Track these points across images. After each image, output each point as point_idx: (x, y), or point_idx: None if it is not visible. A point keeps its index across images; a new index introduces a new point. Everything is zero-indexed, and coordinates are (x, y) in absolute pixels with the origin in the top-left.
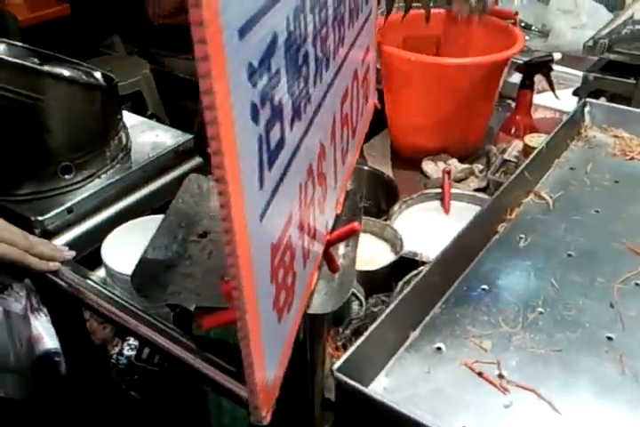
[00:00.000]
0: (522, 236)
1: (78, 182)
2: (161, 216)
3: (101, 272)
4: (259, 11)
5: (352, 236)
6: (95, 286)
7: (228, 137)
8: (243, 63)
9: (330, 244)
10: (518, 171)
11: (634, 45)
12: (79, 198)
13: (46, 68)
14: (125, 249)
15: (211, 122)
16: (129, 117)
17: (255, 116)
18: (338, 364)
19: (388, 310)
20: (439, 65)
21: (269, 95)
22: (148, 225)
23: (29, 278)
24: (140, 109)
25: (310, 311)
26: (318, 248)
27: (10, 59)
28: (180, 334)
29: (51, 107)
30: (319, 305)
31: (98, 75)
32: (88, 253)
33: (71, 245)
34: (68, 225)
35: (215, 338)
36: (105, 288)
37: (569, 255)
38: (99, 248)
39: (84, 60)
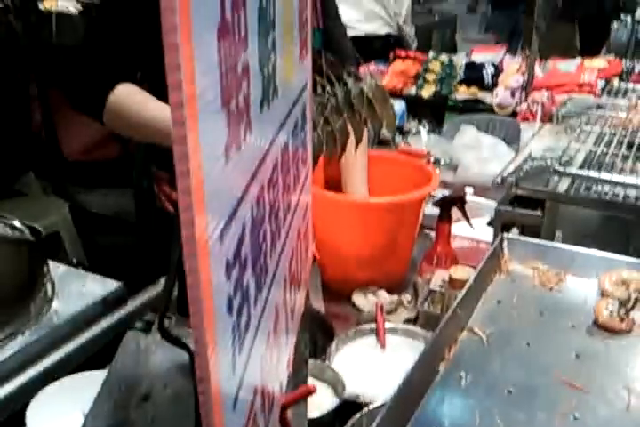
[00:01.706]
0: (462, 374)
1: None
2: (90, 373)
3: None
4: (233, 209)
5: (308, 396)
6: None
7: (210, 330)
8: (222, 261)
9: (285, 407)
10: (451, 309)
11: (536, 181)
12: (0, 359)
13: None
14: (52, 413)
15: (195, 317)
16: (55, 267)
17: (230, 307)
18: None
19: None
20: (361, 204)
21: (240, 284)
22: (75, 385)
23: None
24: (57, 250)
25: None
26: (275, 415)
27: None
28: None
29: None
30: None
31: (19, 225)
32: (8, 418)
33: None
34: None
35: None
36: None
37: (509, 391)
38: (21, 411)
39: None
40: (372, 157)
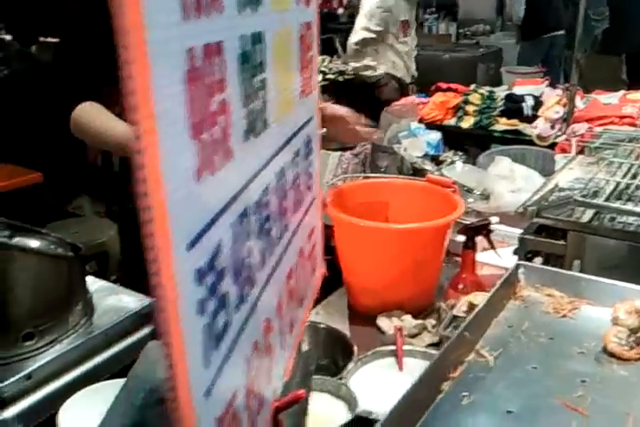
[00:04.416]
0: (465, 393)
1: (39, 348)
2: (119, 381)
3: None
4: (206, 225)
5: (298, 402)
6: None
7: (176, 329)
8: (190, 269)
9: (278, 410)
10: (458, 331)
11: (560, 211)
12: (39, 364)
13: (16, 239)
14: (83, 417)
15: (161, 314)
16: (93, 282)
17: (201, 309)
18: None
19: None
20: (387, 230)
21: (215, 290)
22: (105, 391)
23: None
24: (104, 269)
25: None
26: (265, 416)
27: None
28: None
29: (18, 278)
30: None
31: (62, 242)
32: (42, 421)
33: (26, 412)
34: (26, 392)
35: None
36: None
37: (509, 412)
38: (54, 415)
39: (52, 221)
40: (401, 184)
